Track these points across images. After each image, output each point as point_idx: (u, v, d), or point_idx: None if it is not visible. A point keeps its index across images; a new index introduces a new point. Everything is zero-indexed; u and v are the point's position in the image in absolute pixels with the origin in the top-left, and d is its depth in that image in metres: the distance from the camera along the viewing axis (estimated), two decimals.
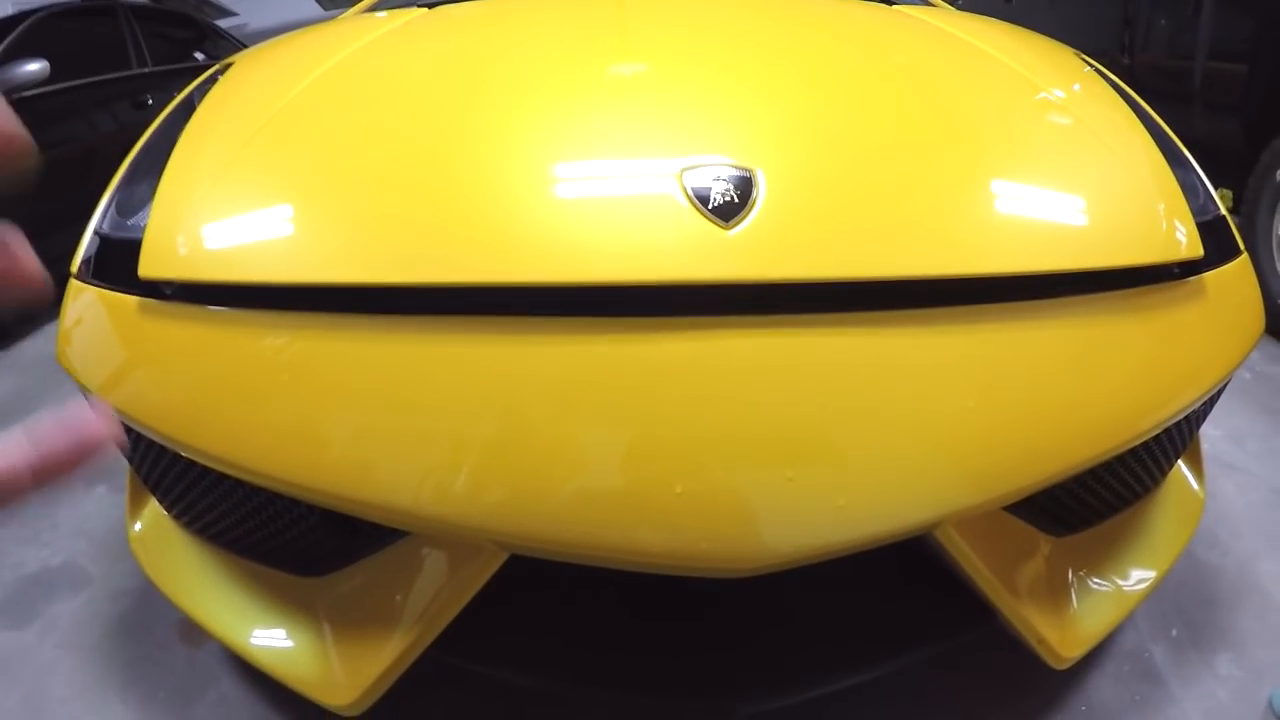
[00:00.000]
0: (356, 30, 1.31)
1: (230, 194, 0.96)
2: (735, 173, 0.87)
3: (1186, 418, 1.01)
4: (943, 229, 0.87)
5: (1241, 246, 1.11)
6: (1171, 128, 1.30)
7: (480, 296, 0.83)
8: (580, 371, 0.78)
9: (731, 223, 0.82)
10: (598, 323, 0.79)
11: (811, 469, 0.76)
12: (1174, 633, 1.31)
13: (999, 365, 0.82)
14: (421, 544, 0.90)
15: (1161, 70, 2.94)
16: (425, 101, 1.05)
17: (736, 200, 0.84)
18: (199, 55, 4.39)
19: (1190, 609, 1.36)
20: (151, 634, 1.37)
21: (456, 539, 0.85)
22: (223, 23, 5.70)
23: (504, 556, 0.84)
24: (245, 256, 0.89)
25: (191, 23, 4.68)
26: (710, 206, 0.83)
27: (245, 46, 4.23)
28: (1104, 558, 1.07)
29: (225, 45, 4.62)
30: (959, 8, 4.14)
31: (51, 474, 0.32)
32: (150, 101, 3.69)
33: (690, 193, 0.84)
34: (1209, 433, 1.93)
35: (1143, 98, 1.36)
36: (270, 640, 1.00)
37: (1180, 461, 1.25)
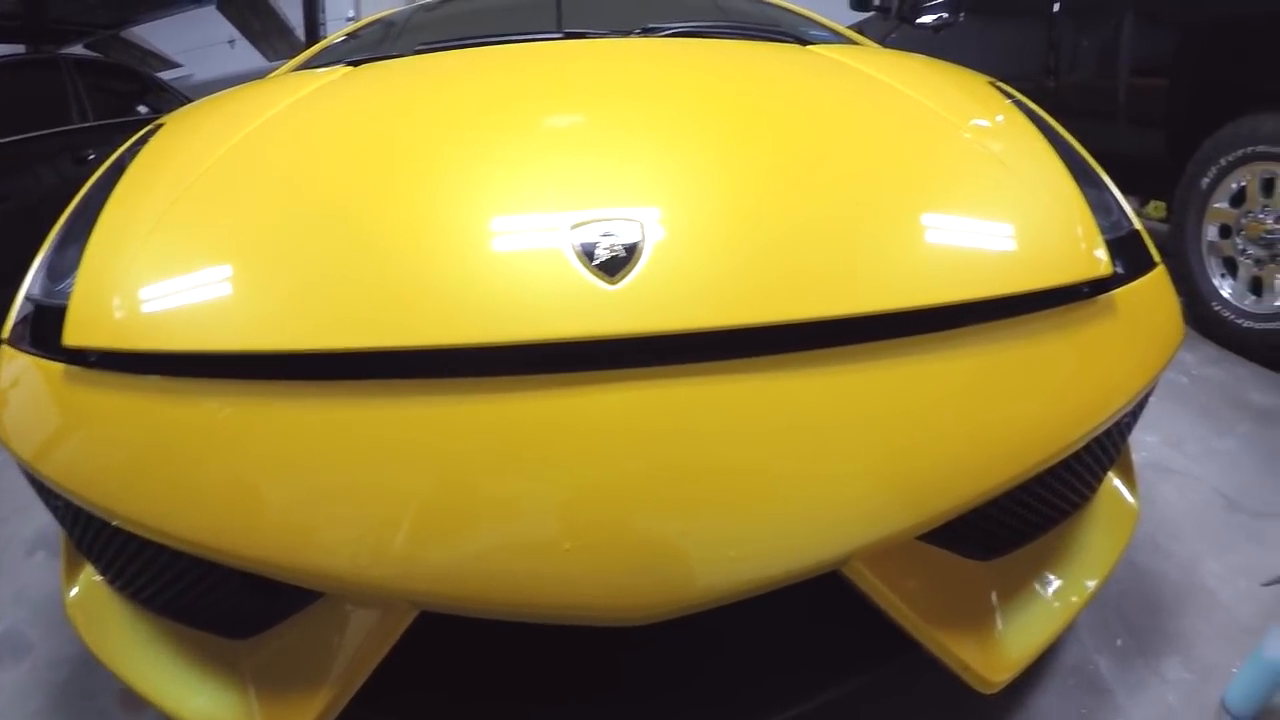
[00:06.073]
0: (284, 89, 1.32)
1: (153, 259, 0.97)
2: (622, 227, 0.88)
3: (1108, 432, 1.02)
4: (840, 269, 0.89)
5: (1157, 259, 1.13)
6: (1098, 145, 1.33)
7: (379, 361, 0.84)
8: (471, 434, 0.79)
9: (616, 278, 0.84)
10: (486, 383, 0.81)
11: (700, 520, 0.78)
12: (1119, 642, 1.31)
13: (888, 402, 0.83)
14: (338, 604, 0.91)
15: (1086, 89, 3.02)
16: (336, 166, 1.08)
17: (623, 254, 0.85)
18: (142, 108, 4.36)
19: (1134, 617, 1.36)
20: (95, 701, 1.34)
21: (366, 599, 0.87)
22: (166, 74, 5.67)
23: (414, 613, 0.84)
24: (166, 323, 0.90)
25: (135, 76, 4.66)
26: (596, 263, 0.85)
27: (189, 99, 4.21)
28: (1032, 577, 1.08)
29: (168, 98, 4.59)
30: (892, 40, 4.23)
31: None
32: (91, 156, 3.65)
33: (579, 250, 0.86)
34: (1146, 439, 1.96)
35: (1069, 118, 1.39)
36: (201, 704, 0.99)
37: (1112, 474, 1.27)
